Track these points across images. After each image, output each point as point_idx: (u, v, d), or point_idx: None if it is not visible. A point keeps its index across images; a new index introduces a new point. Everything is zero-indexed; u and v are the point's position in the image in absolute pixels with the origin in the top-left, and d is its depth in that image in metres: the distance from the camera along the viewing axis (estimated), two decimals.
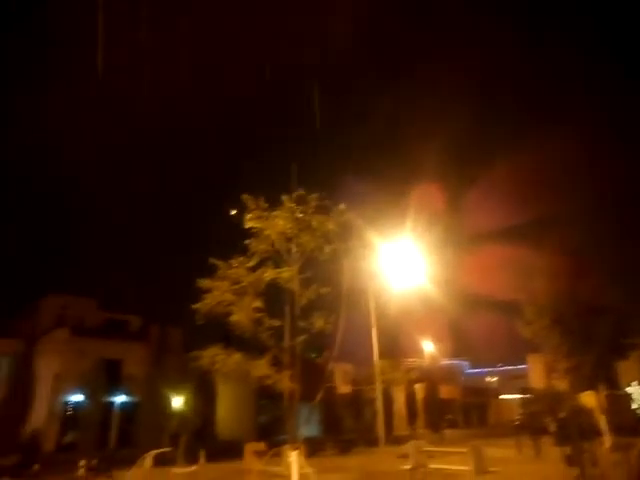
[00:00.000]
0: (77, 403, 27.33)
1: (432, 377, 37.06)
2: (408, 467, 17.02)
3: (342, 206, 9.78)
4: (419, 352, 39.63)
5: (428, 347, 39.39)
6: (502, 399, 46.02)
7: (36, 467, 18.62)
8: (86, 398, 25.97)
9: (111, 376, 28.12)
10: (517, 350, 40.25)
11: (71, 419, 27.31)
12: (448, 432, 33.27)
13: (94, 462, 19.80)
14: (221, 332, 11.12)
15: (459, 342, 45.75)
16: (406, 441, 20.51)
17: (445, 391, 39.34)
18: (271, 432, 28.41)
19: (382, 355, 23.73)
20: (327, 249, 9.80)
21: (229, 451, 22.79)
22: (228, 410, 30.91)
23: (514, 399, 40.57)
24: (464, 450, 16.53)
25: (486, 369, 53.98)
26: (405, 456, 18.49)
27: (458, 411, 41.98)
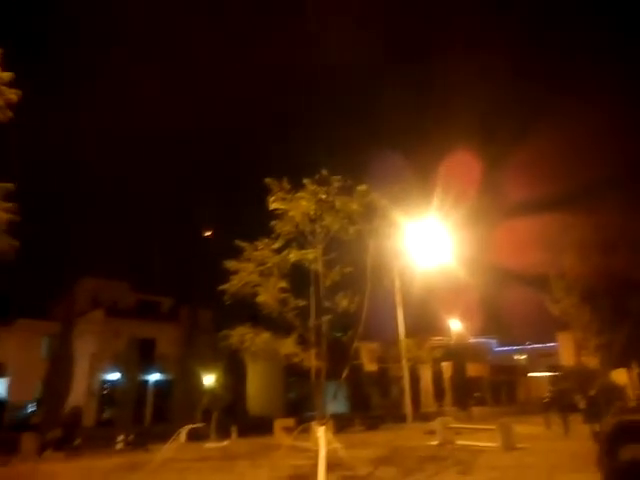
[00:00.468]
0: (113, 381, 28.46)
1: (459, 355, 36.98)
2: (435, 443, 17.25)
3: (364, 186, 9.75)
4: (446, 330, 39.53)
5: (455, 325, 39.22)
6: (531, 377, 45.69)
7: (77, 441, 19.56)
8: (122, 376, 26.97)
9: (145, 355, 29.09)
10: (547, 328, 39.74)
11: (108, 396, 28.54)
12: (476, 409, 33.31)
13: (131, 437, 20.73)
14: (250, 312, 11.38)
15: (487, 320, 45.36)
16: (433, 418, 20.72)
17: (473, 369, 39.26)
18: (300, 408, 29.07)
19: (408, 334, 23.83)
20: (351, 230, 9.84)
21: (259, 427, 23.44)
22: (258, 387, 31.67)
23: (544, 377, 40.26)
24: (492, 427, 16.62)
25: (515, 347, 53.49)
26: (432, 432, 18.72)
27: (486, 389, 41.89)
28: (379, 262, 10.48)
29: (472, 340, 43.79)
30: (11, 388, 29.29)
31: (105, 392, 29.02)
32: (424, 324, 32.69)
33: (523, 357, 50.83)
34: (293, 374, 30.00)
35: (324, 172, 9.26)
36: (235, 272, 9.51)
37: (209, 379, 26.60)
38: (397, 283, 24.33)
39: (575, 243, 22.17)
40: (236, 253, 9.61)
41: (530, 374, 46.37)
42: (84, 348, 28.24)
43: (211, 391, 26.10)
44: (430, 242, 17.44)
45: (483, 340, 50.13)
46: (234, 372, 28.17)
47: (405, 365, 25.89)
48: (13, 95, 8.20)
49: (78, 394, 26.83)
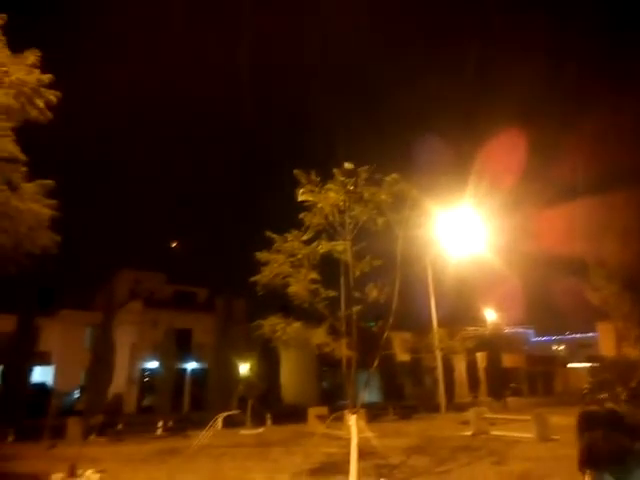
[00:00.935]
0: (153, 369, 29.43)
1: (494, 345, 36.42)
2: (469, 433, 17.15)
3: (394, 176, 9.69)
4: (481, 320, 38.99)
5: (490, 315, 38.64)
6: (570, 368, 44.62)
7: (119, 426, 20.40)
8: (160, 365, 27.82)
9: (182, 344, 29.90)
10: (587, 317, 38.67)
11: (148, 384, 29.56)
12: (512, 400, 32.86)
13: (170, 423, 21.46)
14: (281, 302, 11.56)
15: (525, 310, 44.46)
16: (467, 408, 20.58)
17: (509, 359, 38.63)
18: (333, 397, 29.35)
19: (442, 323, 23.68)
20: (380, 220, 9.81)
21: (293, 415, 23.81)
22: (291, 376, 32.10)
23: (583, 368, 39.24)
24: (527, 418, 16.40)
25: (553, 337, 52.32)
26: (466, 423, 18.61)
27: (523, 380, 41.18)
28: (409, 252, 10.44)
29: (508, 330, 43.07)
30: (57, 376, 30.71)
31: (145, 380, 30.08)
32: (458, 314, 32.40)
33: (561, 347, 49.71)
34: (326, 364, 30.26)
35: (348, 165, 9.23)
36: (266, 263, 9.67)
37: (244, 368, 27.14)
38: (429, 273, 24.19)
39: (616, 230, 21.43)
40: (267, 245, 9.76)
41: (569, 365, 45.29)
42: (124, 338, 29.25)
43: (246, 379, 26.63)
44: (465, 231, 17.21)
45: (520, 330, 49.19)
46: (268, 361, 28.63)
47: (438, 355, 25.73)
48: (52, 97, 8.55)
49: (119, 382, 27.87)
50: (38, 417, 21.18)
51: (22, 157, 8.52)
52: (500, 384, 34.77)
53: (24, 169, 8.78)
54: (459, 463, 11.23)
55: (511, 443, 14.47)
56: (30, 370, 23.97)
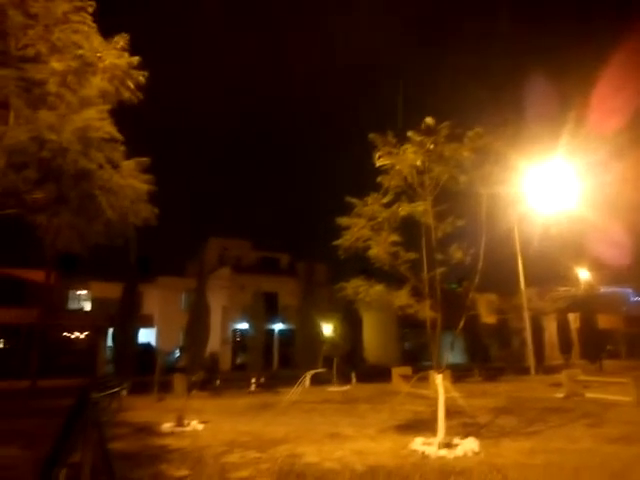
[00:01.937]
0: (243, 330, 31.31)
1: (588, 306, 34.39)
2: (561, 395, 16.62)
3: (477, 130, 9.25)
4: (574, 280, 36.85)
5: (584, 275, 36.37)
6: None
7: (217, 382, 22.07)
8: (250, 326, 29.47)
9: (269, 307, 31.43)
10: None
11: (240, 344, 31.59)
12: (608, 363, 31.15)
13: (262, 379, 22.86)
14: (362, 265, 11.73)
15: (624, 269, 41.17)
16: (559, 371, 19.85)
17: (605, 320, 36.37)
18: (416, 358, 29.59)
19: (530, 284, 22.76)
20: (462, 179, 9.51)
21: (377, 374, 24.37)
22: (373, 337, 32.66)
23: None
24: (626, 381, 15.55)
25: None
26: (558, 385, 18.01)
27: (620, 342, 38.79)
28: (494, 211, 10.08)
29: (604, 290, 40.41)
30: (159, 337, 33.64)
31: (237, 340, 32.14)
32: (548, 274, 30.86)
33: None
34: (407, 325, 30.37)
35: (429, 119, 8.89)
36: (347, 228, 9.82)
37: (327, 329, 27.99)
38: (516, 232, 23.15)
39: None
40: (347, 210, 9.89)
41: None
42: (216, 301, 31.24)
43: (330, 340, 27.48)
44: (557, 185, 16.13)
45: (617, 290, 45.99)
46: (350, 322, 29.25)
47: (526, 316, 24.88)
48: (142, 77, 9.09)
49: (214, 342, 29.99)
50: (146, 374, 23.47)
51: (120, 137, 9.20)
52: (595, 346, 32.95)
53: (122, 148, 9.48)
54: (550, 424, 11.00)
55: (607, 406, 13.87)
56: (136, 332, 26.40)
